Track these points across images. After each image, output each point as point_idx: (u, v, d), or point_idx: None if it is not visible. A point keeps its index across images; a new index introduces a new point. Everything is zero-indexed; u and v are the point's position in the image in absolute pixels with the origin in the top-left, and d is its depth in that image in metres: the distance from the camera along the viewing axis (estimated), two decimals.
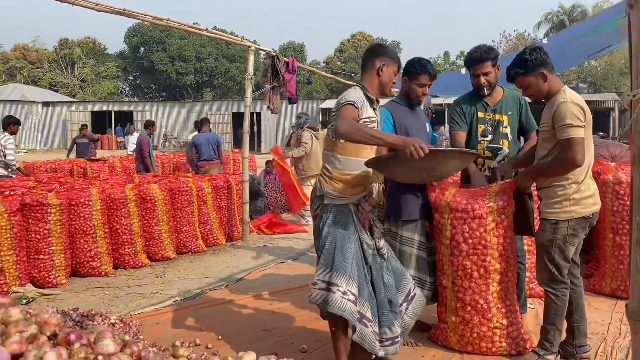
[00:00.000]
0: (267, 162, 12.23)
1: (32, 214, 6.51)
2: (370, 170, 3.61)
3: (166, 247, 7.75)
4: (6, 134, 9.09)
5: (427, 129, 4.49)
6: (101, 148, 37.29)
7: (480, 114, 4.51)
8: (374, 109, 3.65)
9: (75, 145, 15.33)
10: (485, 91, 4.42)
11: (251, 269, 7.19)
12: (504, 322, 3.97)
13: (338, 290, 3.33)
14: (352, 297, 3.35)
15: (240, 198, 9.14)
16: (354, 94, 3.49)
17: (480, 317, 4.01)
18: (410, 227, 4.22)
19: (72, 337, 2.15)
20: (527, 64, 3.66)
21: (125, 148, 36.97)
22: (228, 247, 8.60)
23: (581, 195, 3.61)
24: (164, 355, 2.32)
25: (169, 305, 5.52)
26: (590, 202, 3.64)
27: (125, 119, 39.99)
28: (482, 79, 4.36)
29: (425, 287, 4.33)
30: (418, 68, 4.16)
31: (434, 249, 4.34)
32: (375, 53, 3.76)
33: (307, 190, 10.05)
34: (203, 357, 2.49)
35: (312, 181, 10.05)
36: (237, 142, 32.39)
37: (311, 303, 3.47)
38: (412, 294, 3.88)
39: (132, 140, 17.30)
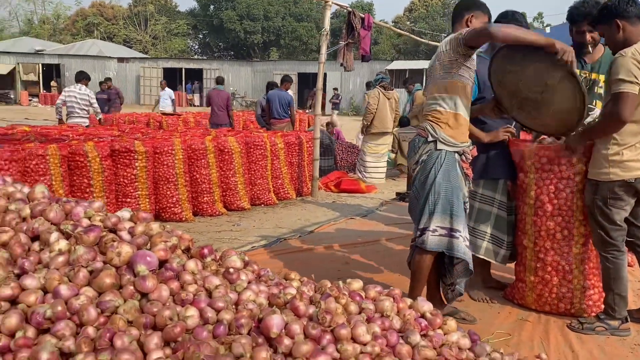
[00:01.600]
0: (327, 124, 12.32)
1: (121, 159, 6.95)
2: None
3: (241, 198, 8.08)
4: (81, 85, 9.89)
5: None
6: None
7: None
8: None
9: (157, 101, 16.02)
10: (590, 49, 4.24)
11: (322, 222, 7.38)
12: (585, 284, 3.93)
13: (460, 235, 3.48)
14: (468, 243, 3.55)
15: (310, 155, 9.31)
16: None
17: (561, 278, 3.99)
18: (491, 185, 4.22)
19: (206, 251, 2.38)
20: (602, 12, 3.52)
21: (194, 105, 38.11)
22: (298, 202, 8.84)
23: (622, 158, 3.46)
24: (277, 275, 2.52)
25: (248, 250, 5.81)
26: (634, 166, 3.48)
27: (194, 77, 40.95)
28: (588, 36, 4.18)
29: (503, 246, 4.34)
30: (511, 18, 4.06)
31: (514, 208, 4.31)
32: (463, 6, 3.72)
33: (371, 148, 10.11)
34: (312, 281, 2.66)
35: (377, 140, 10.07)
36: (302, 103, 32.56)
37: (430, 250, 3.52)
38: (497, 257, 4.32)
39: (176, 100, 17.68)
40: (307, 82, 37.18)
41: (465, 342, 2.47)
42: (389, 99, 9.79)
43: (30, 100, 37.57)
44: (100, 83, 15.24)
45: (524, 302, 4.26)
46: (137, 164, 6.97)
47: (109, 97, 14.34)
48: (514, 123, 4.34)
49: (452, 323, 2.53)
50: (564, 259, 3.96)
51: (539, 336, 3.84)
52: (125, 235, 2.41)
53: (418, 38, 15.59)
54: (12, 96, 38.07)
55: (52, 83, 39.67)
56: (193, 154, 7.62)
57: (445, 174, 3.52)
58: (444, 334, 2.48)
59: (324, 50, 8.78)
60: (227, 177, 7.95)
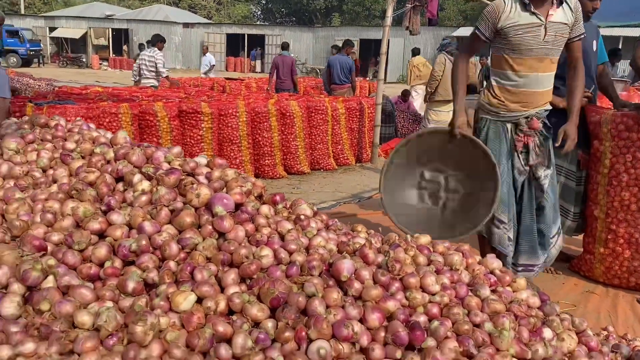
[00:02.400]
0: (404, 92, 12.12)
1: (188, 120, 7.15)
2: (538, 90, 3.43)
3: (301, 162, 8.18)
4: (155, 49, 10.37)
5: (595, 47, 4.15)
6: (234, 70, 39.10)
7: None
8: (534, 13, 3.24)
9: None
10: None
11: None
12: None
13: (497, 221, 3.53)
14: (502, 229, 3.52)
15: (371, 121, 9.25)
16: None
17: (633, 251, 3.84)
18: (560, 154, 4.06)
19: (277, 198, 2.45)
20: None
21: (255, 71, 38.41)
22: (357, 168, 8.85)
23: None
24: (346, 228, 2.57)
25: None
26: None
27: (256, 43, 41.19)
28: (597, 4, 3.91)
29: (569, 217, 4.21)
30: None
31: (583, 178, 4.15)
32: None
33: (435, 116, 9.87)
34: (379, 234, 2.69)
35: (441, 107, 9.82)
36: (364, 70, 32.12)
37: None
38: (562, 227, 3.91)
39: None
40: (368, 48, 36.62)
41: (535, 301, 2.43)
42: None
43: (100, 64, 39.13)
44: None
45: (591, 275, 4.14)
46: (203, 125, 7.17)
47: None
48: (592, 87, 4.14)
49: (521, 281, 2.49)
50: (637, 231, 3.80)
51: (606, 309, 3.73)
52: (202, 179, 2.51)
53: (488, 2, 14.94)
54: (84, 60, 39.79)
55: (124, 48, 41.12)
56: (256, 117, 7.74)
57: (485, 144, 3.49)
58: (513, 292, 2.45)
59: (389, 12, 8.59)
60: (288, 141, 8.04)
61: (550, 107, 3.56)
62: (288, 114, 7.99)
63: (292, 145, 8.10)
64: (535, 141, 3.46)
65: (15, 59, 32.53)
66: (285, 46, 11.86)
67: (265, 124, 7.79)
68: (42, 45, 37.26)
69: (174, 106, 7.16)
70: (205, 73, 15.31)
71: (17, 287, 1.99)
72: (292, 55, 12.56)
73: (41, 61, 36.31)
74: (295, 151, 8.14)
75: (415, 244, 2.56)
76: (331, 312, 2.00)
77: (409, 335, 2.00)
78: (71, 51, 41.15)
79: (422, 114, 10.86)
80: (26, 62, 33.36)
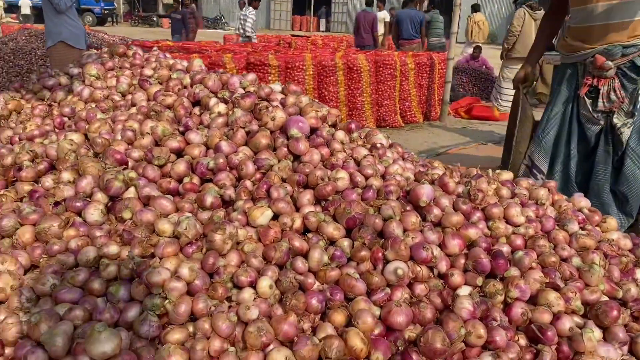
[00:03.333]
0: (476, 48, 11.59)
1: (255, 72, 7.14)
2: (599, 23, 2.87)
3: (367, 118, 8.04)
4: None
5: None
6: (299, 29, 38.85)
7: None
8: None
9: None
10: None
11: (450, 146, 7.14)
12: None
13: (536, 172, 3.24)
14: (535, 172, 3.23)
15: (442, 78, 8.93)
16: None
17: None
18: None
19: (353, 126, 2.39)
20: None
21: (321, 30, 37.99)
22: (425, 126, 8.61)
23: None
24: (423, 161, 2.47)
25: None
26: None
27: (323, 1, 40.55)
28: None
29: None
30: None
31: None
32: None
33: (510, 73, 9.36)
34: (457, 168, 2.59)
35: (518, 64, 9.26)
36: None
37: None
38: None
39: None
40: (439, 3, 35.21)
41: (627, 243, 2.25)
42: (535, 20, 8.93)
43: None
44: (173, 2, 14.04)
45: None
46: (270, 78, 7.15)
47: (182, 18, 12.94)
48: None
49: (612, 221, 2.31)
50: None
51: None
52: (277, 104, 2.47)
53: None
54: (154, 19, 40.77)
55: (193, 6, 41.74)
56: (323, 71, 7.63)
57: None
58: (602, 232, 2.28)
59: None
60: (354, 96, 7.91)
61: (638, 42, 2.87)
62: (355, 68, 7.83)
63: (358, 101, 7.96)
64: (611, 84, 2.87)
65: (91, 18, 33.74)
66: (368, 2, 11.51)
67: (332, 77, 7.68)
68: (115, 4, 38.43)
69: (242, 58, 7.18)
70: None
71: (100, 196, 2.04)
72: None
73: (115, 20, 37.53)
74: (361, 107, 8.00)
75: (498, 179, 2.43)
76: (409, 235, 1.93)
77: (491, 263, 1.90)
78: (143, 10, 42.25)
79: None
80: (101, 20, 34.57)
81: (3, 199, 2.14)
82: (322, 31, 37.48)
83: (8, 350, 1.64)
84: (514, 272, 1.91)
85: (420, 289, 1.87)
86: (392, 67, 8.20)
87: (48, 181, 2.19)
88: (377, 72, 8.15)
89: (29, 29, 10.75)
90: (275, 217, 2.00)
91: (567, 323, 1.79)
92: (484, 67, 11.35)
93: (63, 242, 1.89)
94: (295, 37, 14.26)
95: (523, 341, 1.80)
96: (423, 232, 1.96)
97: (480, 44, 11.99)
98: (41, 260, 1.88)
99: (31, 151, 2.31)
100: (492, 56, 13.61)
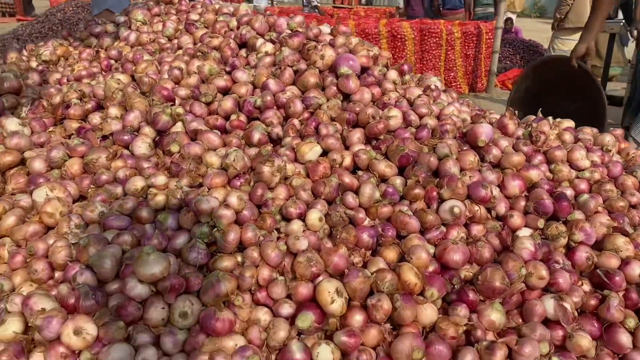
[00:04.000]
0: (507, 20, 11.12)
1: None
2: None
3: None
4: None
5: None
6: (341, 3, 38.31)
7: None
8: None
9: None
10: None
11: None
12: None
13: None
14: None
15: (489, 48, 8.60)
16: None
17: None
18: None
19: (405, 67, 2.28)
20: None
21: (362, 4, 37.38)
22: (471, 97, 8.34)
23: None
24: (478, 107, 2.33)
25: None
26: None
27: None
28: None
29: None
30: None
31: None
32: None
33: (562, 45, 8.93)
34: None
35: (570, 35, 8.85)
36: None
37: None
38: None
39: None
40: None
41: None
42: None
43: None
44: None
45: None
46: None
47: None
48: None
49: None
50: None
51: None
52: (326, 44, 2.37)
53: None
54: None
55: None
56: (366, 38, 7.46)
57: None
58: None
59: None
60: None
61: None
62: (399, 36, 7.64)
63: None
64: None
65: None
66: None
67: (375, 45, 7.50)
68: None
69: None
70: (310, 4, 12.02)
71: (147, 130, 2.01)
72: None
73: None
74: None
75: (560, 125, 2.28)
76: (466, 174, 1.82)
77: (554, 204, 1.78)
78: None
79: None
80: None
81: (52, 135, 2.14)
82: (364, 4, 36.85)
83: (57, 274, 1.64)
84: (578, 215, 1.79)
85: (477, 229, 1.77)
86: (437, 36, 7.96)
87: (95, 118, 2.17)
88: (422, 40, 7.93)
89: (76, 0, 10.94)
90: (324, 153, 1.93)
91: (637, 269, 1.66)
92: (517, 35, 10.91)
93: (111, 173, 1.87)
94: (337, 9, 14.05)
95: (587, 287, 1.69)
96: (481, 172, 1.85)
97: (512, 16, 11.53)
98: (89, 190, 1.87)
99: (79, 90, 2.30)
100: (539, 30, 13.07)
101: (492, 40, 8.51)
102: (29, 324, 1.43)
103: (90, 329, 1.38)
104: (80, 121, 2.22)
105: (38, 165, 1.93)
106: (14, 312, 1.48)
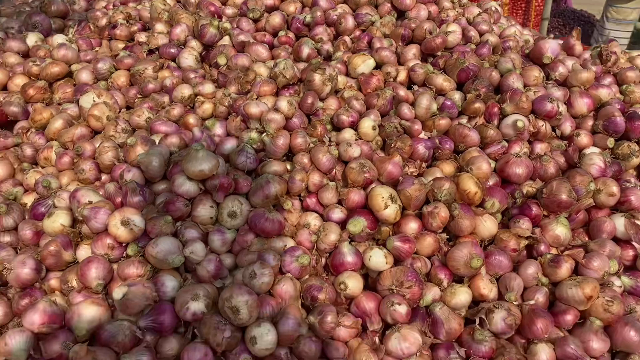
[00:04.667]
0: None
1: None
2: None
3: None
4: None
5: None
6: None
7: None
8: None
9: None
10: None
11: None
12: None
13: None
14: None
15: (538, 16, 8.25)
16: None
17: None
18: None
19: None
20: None
21: None
22: None
23: None
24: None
25: None
26: None
27: None
28: None
29: None
30: None
31: None
32: None
33: (616, 13, 8.45)
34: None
35: (624, 2, 8.37)
36: None
37: None
38: None
39: None
40: None
41: None
42: None
43: None
44: None
45: None
46: None
47: None
48: None
49: None
50: None
51: None
52: None
53: None
54: None
55: None
56: None
57: None
58: None
59: None
60: None
61: None
62: None
63: None
64: None
65: None
66: None
67: None
68: None
69: None
70: None
71: (194, 43, 1.95)
72: None
73: None
74: None
75: (629, 53, 2.11)
76: (531, 89, 1.70)
77: (626, 123, 1.65)
78: None
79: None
80: None
81: (98, 53, 2.11)
82: None
83: (104, 177, 1.61)
84: None
85: (540, 147, 1.66)
86: None
87: (142, 37, 2.12)
88: None
89: None
90: (377, 67, 1.83)
91: None
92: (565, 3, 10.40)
93: (157, 83, 1.83)
94: None
95: None
96: (546, 88, 1.73)
97: None
98: (136, 100, 1.83)
99: (125, 12, 2.26)
100: (590, 2, 12.42)
101: (542, 6, 8.13)
102: (76, 216, 1.41)
103: (137, 221, 1.35)
104: (126, 42, 2.18)
105: (85, 76, 1.90)
106: (62, 207, 1.46)
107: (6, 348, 1.19)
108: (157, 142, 1.59)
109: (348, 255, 1.37)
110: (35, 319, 1.23)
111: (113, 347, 1.19)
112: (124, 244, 1.36)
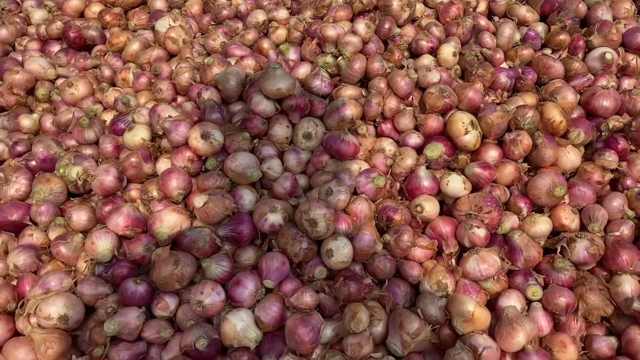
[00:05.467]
0: None
1: None
2: None
3: None
4: None
5: None
6: None
7: None
8: None
9: None
10: None
11: None
12: None
13: None
14: None
15: None
16: None
17: None
18: None
19: None
20: None
21: None
22: None
23: None
24: None
25: None
26: None
27: None
28: None
29: None
30: None
31: None
32: None
33: None
34: None
35: None
36: None
37: None
38: None
39: None
40: None
41: None
42: None
43: None
44: None
45: None
46: None
47: None
48: None
49: None
50: None
51: None
52: None
53: None
54: None
55: None
56: None
57: None
58: None
59: None
60: None
61: None
62: None
63: None
64: None
65: None
66: None
67: None
68: None
69: None
70: None
71: None
72: None
73: None
74: None
75: None
76: (621, 22, 1.61)
77: None
78: None
79: None
80: None
81: None
82: None
83: (180, 99, 1.63)
84: None
85: (629, 83, 1.57)
86: None
87: None
88: None
89: None
90: None
91: None
92: None
93: (232, 9, 1.82)
94: None
95: None
96: (638, 21, 1.63)
97: None
98: (209, 27, 1.83)
99: None
100: None
101: None
102: (156, 132, 1.44)
103: (217, 135, 1.36)
104: None
105: (159, 4, 1.91)
106: (141, 122, 1.49)
107: (92, 247, 1.24)
108: (232, 62, 1.59)
109: (425, 179, 1.35)
110: (119, 221, 1.27)
111: (193, 253, 1.23)
112: (202, 158, 1.38)
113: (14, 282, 1.27)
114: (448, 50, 1.53)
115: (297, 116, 1.43)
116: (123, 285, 1.19)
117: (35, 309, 1.17)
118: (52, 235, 1.34)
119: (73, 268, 1.29)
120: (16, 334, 1.22)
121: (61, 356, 1.14)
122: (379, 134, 1.50)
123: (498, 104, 1.50)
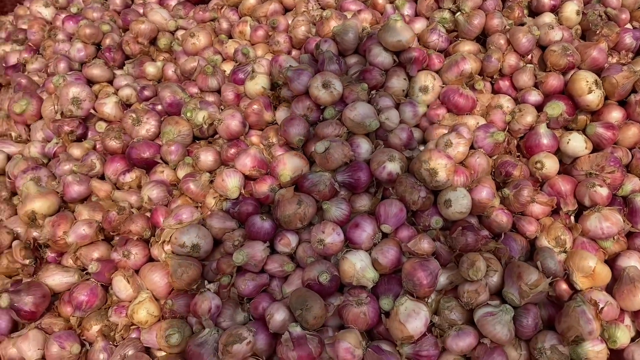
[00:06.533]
0: None
1: None
2: None
3: None
4: None
5: None
6: None
7: None
8: None
9: None
10: None
11: None
12: None
13: None
14: None
15: None
16: None
17: None
18: None
19: None
20: None
21: None
22: None
23: None
24: None
25: None
26: None
27: None
28: None
29: None
30: None
31: None
32: None
33: None
34: None
35: None
36: None
37: None
38: None
39: None
40: None
41: None
42: None
43: None
44: None
45: None
46: None
47: None
48: None
49: None
50: None
51: None
52: None
53: None
54: None
55: None
56: None
57: None
58: None
59: None
60: None
61: None
62: None
63: None
64: None
65: None
66: None
67: None
68: None
69: None
70: None
71: None
72: None
73: None
74: None
75: None
76: None
77: None
78: None
79: None
80: None
81: None
82: None
83: (294, 52, 1.68)
84: None
85: None
86: None
87: None
88: None
89: None
90: None
91: None
92: None
93: None
94: None
95: None
96: None
97: None
98: None
99: None
100: None
101: None
102: (276, 80, 1.50)
103: (337, 85, 1.40)
104: None
105: None
106: (261, 72, 1.55)
107: (222, 184, 1.33)
108: (349, 16, 1.62)
109: (544, 137, 1.33)
110: (247, 162, 1.35)
111: (313, 195, 1.29)
112: (321, 107, 1.43)
113: (147, 214, 1.38)
114: (571, 9, 1.49)
115: (415, 69, 1.45)
116: (250, 220, 1.27)
117: (171, 237, 1.28)
118: (181, 173, 1.44)
119: (200, 204, 1.39)
120: (150, 260, 1.34)
121: (194, 281, 1.24)
122: (496, 91, 1.50)
123: (622, 64, 1.45)
